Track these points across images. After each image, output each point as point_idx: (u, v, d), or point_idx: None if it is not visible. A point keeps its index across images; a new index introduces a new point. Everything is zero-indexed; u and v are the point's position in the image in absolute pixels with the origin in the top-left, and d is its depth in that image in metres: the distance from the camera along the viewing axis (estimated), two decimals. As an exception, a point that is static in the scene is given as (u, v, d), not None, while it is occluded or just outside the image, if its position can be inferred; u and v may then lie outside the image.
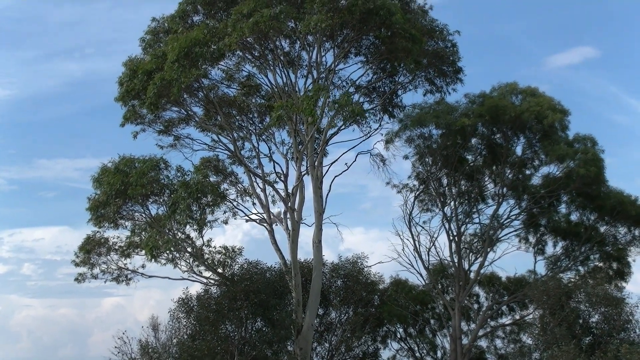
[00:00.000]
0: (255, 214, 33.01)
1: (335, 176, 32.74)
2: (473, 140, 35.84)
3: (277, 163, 33.96)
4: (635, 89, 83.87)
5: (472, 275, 36.01)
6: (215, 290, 30.69)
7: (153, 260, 29.31)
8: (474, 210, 36.93)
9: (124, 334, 29.28)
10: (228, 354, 28.08)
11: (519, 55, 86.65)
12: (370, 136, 34.18)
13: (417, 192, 37.23)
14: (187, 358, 27.75)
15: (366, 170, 35.57)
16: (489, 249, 35.52)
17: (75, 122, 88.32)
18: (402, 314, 36.55)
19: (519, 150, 35.45)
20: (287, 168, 33.35)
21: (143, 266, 32.02)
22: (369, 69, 33.22)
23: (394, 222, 37.12)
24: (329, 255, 41.96)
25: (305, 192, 32.13)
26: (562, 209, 36.60)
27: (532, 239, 37.16)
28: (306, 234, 32.53)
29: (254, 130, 34.80)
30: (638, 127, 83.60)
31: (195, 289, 32.21)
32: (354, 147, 33.47)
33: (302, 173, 31.70)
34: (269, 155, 34.38)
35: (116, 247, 32.11)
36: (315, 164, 31.87)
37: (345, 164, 33.01)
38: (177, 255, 30.68)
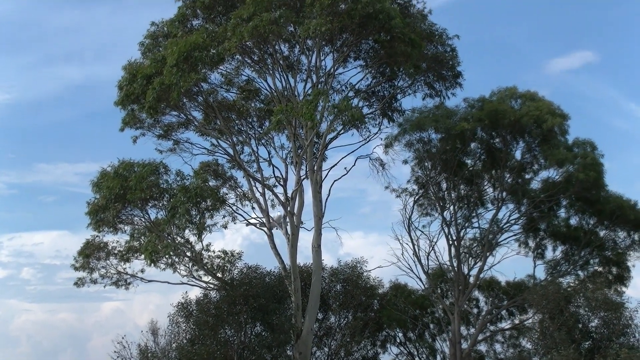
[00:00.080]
0: (254, 218, 33.08)
1: (335, 180, 32.73)
2: (472, 145, 35.85)
3: (276, 167, 34.01)
4: (635, 93, 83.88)
5: (471, 279, 35.98)
6: (214, 295, 30.68)
7: (152, 264, 29.34)
8: (474, 214, 36.91)
9: (123, 338, 29.26)
10: (227, 358, 28.05)
11: (519, 60, 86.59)
12: (369, 140, 34.18)
13: (417, 197, 37.22)
14: (187, 363, 27.76)
15: (365, 174, 35.50)
16: (488, 254, 35.49)
17: (75, 126, 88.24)
18: (402, 319, 36.53)
19: (518, 154, 35.50)
20: (287, 172, 33.40)
21: (142, 271, 32.04)
22: (368, 73, 33.27)
23: (393, 226, 37.35)
24: (329, 260, 41.93)
25: (305, 196, 32.18)
26: (562, 213, 36.66)
27: (531, 244, 37.14)
28: (305, 239, 32.50)
29: (253, 135, 34.82)
30: (637, 131, 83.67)
31: (195, 293, 32.27)
32: (353, 152, 33.46)
33: (302, 177, 31.69)
34: (268, 159, 34.44)
35: (115, 252, 32.13)
36: (315, 168, 31.88)
37: (345, 168, 32.99)
38: (177, 259, 30.70)
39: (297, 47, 31.79)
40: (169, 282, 31.72)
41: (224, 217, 32.70)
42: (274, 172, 33.97)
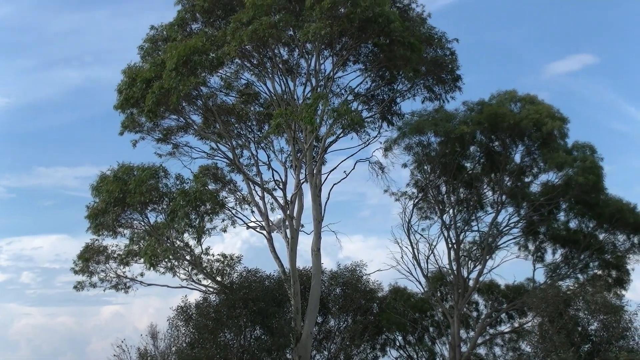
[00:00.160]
0: (254, 222, 33.09)
1: (334, 184, 32.72)
2: (472, 148, 35.82)
3: (275, 171, 34.01)
4: (635, 96, 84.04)
5: (471, 282, 35.95)
6: (214, 299, 30.66)
7: (152, 268, 29.34)
8: (473, 217, 36.89)
9: (122, 342, 29.26)
10: (227, 362, 28.08)
11: (518, 63, 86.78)
12: (368, 144, 34.23)
13: (416, 200, 37.21)
14: (186, 366, 27.76)
15: (365, 178, 35.66)
16: (488, 257, 35.46)
17: (74, 130, 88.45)
18: (401, 322, 36.49)
19: (517, 157, 35.44)
20: (286, 176, 33.42)
21: (142, 274, 32.00)
22: (368, 77, 33.30)
23: (393, 229, 37.08)
24: (328, 263, 41.90)
25: (304, 200, 32.21)
26: (561, 216, 36.60)
27: (531, 247, 37.10)
28: (305, 242, 32.66)
29: (253, 138, 34.84)
30: (637, 134, 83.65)
31: (194, 297, 32.19)
32: (352, 155, 33.49)
33: (301, 181, 31.69)
34: (267, 163, 34.48)
35: (115, 255, 32.11)
36: (314, 171, 31.90)
37: (344, 171, 33.02)
38: (176, 263, 30.69)
39: (297, 50, 31.83)
40: (168, 286, 31.74)
41: (224, 220, 32.80)
42: (273, 176, 34.04)
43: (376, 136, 34.60)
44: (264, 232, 32.31)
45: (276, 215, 33.09)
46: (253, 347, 28.88)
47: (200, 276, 31.31)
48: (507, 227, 36.03)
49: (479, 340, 36.67)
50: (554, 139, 33.70)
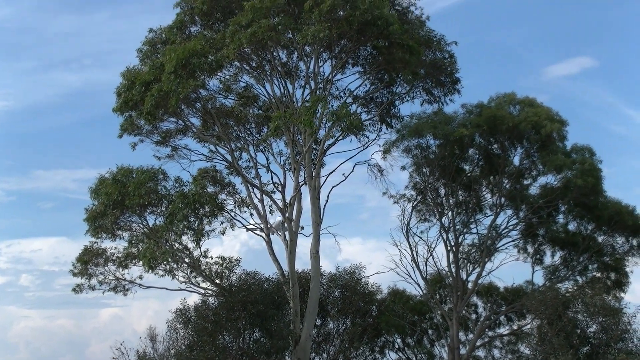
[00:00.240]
0: (253, 224, 33.12)
1: (333, 186, 32.77)
2: (470, 151, 35.84)
3: (274, 174, 34.06)
4: (633, 99, 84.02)
5: (470, 285, 35.93)
6: (213, 301, 30.64)
7: (150, 271, 29.35)
8: (472, 220, 36.86)
9: (121, 344, 29.26)
10: (226, 364, 28.06)
11: (517, 66, 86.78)
12: (367, 146, 34.22)
13: (415, 203, 37.21)
14: (185, 369, 27.75)
15: (364, 180, 35.52)
16: (486, 259, 35.45)
17: (74, 132, 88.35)
18: (400, 324, 36.46)
19: (516, 160, 35.43)
20: (285, 178, 33.45)
21: (141, 277, 32.01)
22: (367, 80, 33.30)
23: (392, 232, 37.08)
24: (327, 266, 42.00)
25: (303, 202, 32.23)
26: (560, 219, 36.59)
27: (530, 249, 37.10)
28: (304, 245, 32.55)
29: (252, 141, 34.87)
30: (636, 137, 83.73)
31: (193, 299, 32.25)
32: (351, 158, 33.49)
33: (300, 183, 31.70)
34: (266, 165, 34.55)
35: (114, 258, 32.16)
36: (313, 174, 31.90)
37: (343, 174, 33.02)
38: (175, 266, 30.70)
39: (296, 53, 31.86)
40: (167, 289, 31.82)
41: (222, 223, 32.89)
42: (272, 178, 34.11)
43: (375, 139, 34.65)
44: (263, 234, 32.34)
45: (275, 218, 33.17)
46: (252, 350, 28.86)
47: (199, 279, 31.35)
48: (506, 230, 36.09)
49: (478, 343, 36.65)
50: (553, 141, 33.72)
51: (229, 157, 33.09)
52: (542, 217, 35.30)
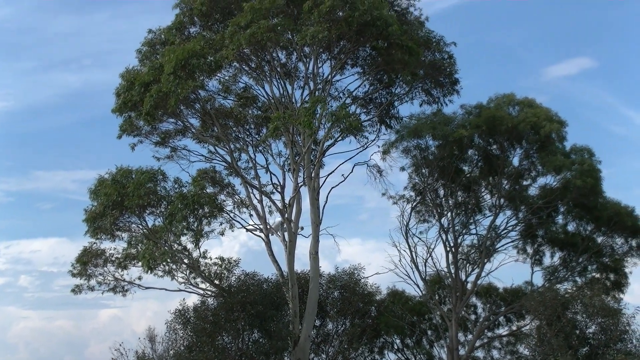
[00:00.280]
0: (252, 225, 33.12)
1: (332, 187, 32.75)
2: (470, 151, 35.86)
3: (273, 174, 34.01)
4: (633, 99, 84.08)
5: (469, 286, 35.95)
6: (212, 302, 30.66)
7: (150, 271, 29.27)
8: (471, 221, 36.90)
9: (120, 345, 29.36)
10: (225, 365, 28.06)
11: (516, 66, 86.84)
12: (366, 147, 34.17)
13: (414, 203, 37.22)
14: (184, 370, 27.75)
15: (363, 181, 35.48)
16: (486, 260, 35.46)
17: (73, 133, 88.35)
18: (399, 325, 36.46)
19: (515, 161, 35.47)
20: (284, 179, 33.44)
21: (140, 278, 31.91)
22: (366, 80, 33.30)
23: (391, 233, 37.16)
24: (326, 267, 42.00)
25: (302, 203, 32.20)
26: (559, 219, 36.63)
27: (529, 250, 37.12)
28: (303, 246, 32.63)
29: (251, 142, 34.87)
30: (635, 137, 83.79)
31: (192, 300, 32.28)
32: (350, 158, 33.48)
33: (299, 184, 31.70)
34: (265, 166, 34.49)
35: (113, 259, 32.10)
36: (312, 175, 31.88)
37: (342, 175, 33.01)
38: (174, 266, 30.66)
39: (295, 54, 31.84)
40: (166, 289, 31.75)
41: (222, 224, 32.79)
42: (271, 179, 34.06)
43: (374, 139, 34.61)
44: (262, 235, 32.35)
45: (274, 219, 33.14)
46: (251, 351, 28.88)
47: (199, 279, 31.32)
48: (505, 230, 36.11)
49: (477, 344, 36.67)
50: (552, 142, 33.73)
51: (228, 158, 33.10)
52: (541, 217, 35.32)
